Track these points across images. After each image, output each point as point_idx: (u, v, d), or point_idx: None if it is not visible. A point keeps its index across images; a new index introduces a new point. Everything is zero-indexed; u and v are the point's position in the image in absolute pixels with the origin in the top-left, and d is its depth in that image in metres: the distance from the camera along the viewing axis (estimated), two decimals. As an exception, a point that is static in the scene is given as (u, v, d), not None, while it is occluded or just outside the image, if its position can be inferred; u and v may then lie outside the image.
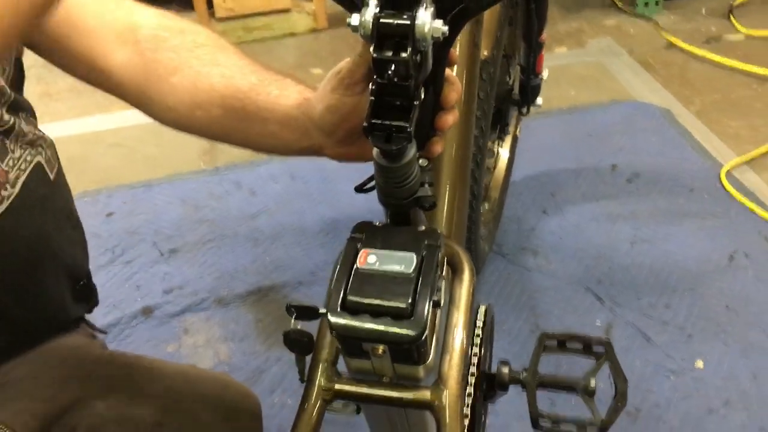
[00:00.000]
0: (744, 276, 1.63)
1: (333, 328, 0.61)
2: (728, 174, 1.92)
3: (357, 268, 0.63)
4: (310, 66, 2.64)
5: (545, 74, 1.50)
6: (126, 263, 1.75)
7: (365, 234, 0.66)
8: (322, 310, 0.64)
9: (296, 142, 0.74)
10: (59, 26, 0.74)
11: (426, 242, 0.65)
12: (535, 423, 0.83)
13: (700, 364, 1.44)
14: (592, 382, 0.83)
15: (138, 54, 0.74)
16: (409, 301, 0.60)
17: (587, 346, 0.85)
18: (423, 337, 0.60)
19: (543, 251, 1.71)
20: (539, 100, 1.54)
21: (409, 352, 0.64)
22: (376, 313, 0.60)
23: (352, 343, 0.64)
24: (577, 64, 2.48)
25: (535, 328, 1.53)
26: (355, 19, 0.57)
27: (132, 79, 0.75)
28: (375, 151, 0.64)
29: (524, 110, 1.53)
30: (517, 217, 1.82)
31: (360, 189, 0.74)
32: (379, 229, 0.67)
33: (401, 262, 0.64)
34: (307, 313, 0.67)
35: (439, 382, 0.67)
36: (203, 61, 0.74)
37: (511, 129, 1.63)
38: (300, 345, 0.70)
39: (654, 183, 1.91)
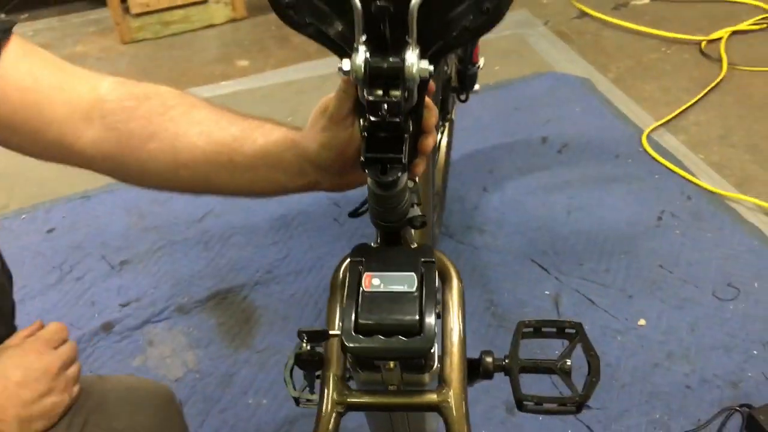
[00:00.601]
0: (672, 235, 1.76)
1: (349, 351, 0.65)
2: (648, 138, 2.05)
3: (364, 291, 0.67)
4: (235, 58, 2.62)
5: (481, 62, 1.56)
6: (77, 280, 1.73)
7: (365, 257, 0.71)
8: (333, 332, 0.69)
9: (291, 182, 0.76)
10: (15, 112, 0.73)
11: (422, 260, 0.71)
12: (520, 405, 0.90)
13: (642, 322, 1.56)
14: (568, 362, 0.90)
15: (108, 129, 0.74)
16: (417, 318, 0.66)
17: (560, 330, 0.92)
18: (432, 350, 0.66)
19: (488, 228, 1.80)
20: (476, 87, 1.60)
21: (418, 364, 0.69)
22: (388, 332, 0.65)
23: (365, 360, 0.69)
24: (498, 39, 2.55)
25: (490, 304, 1.61)
26: (346, 64, 0.61)
27: (106, 154, 0.75)
28: (370, 180, 0.68)
29: (463, 97, 1.59)
30: (460, 196, 1.89)
31: (354, 214, 0.78)
32: (377, 251, 0.72)
33: (403, 282, 0.69)
34: (318, 336, 0.71)
35: (443, 384, 0.73)
36: (178, 122, 0.74)
37: (450, 116, 1.69)
38: (312, 364, 0.74)
39: (582, 152, 2.02)
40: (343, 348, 0.66)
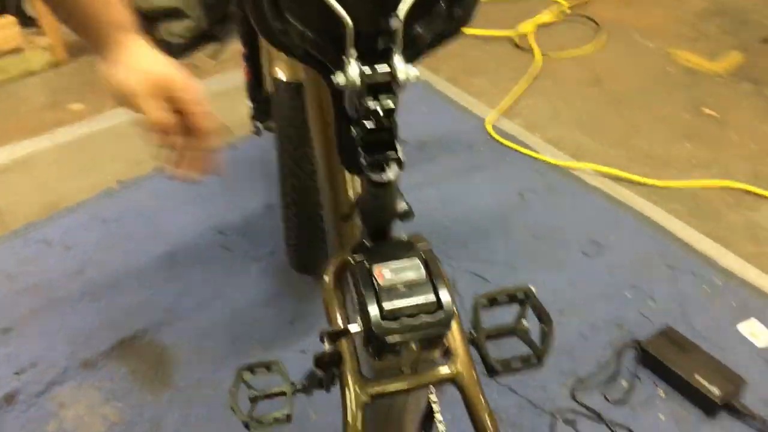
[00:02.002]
0: (535, 208, 1.96)
1: (381, 337, 0.71)
2: (493, 126, 2.26)
3: (379, 284, 0.73)
4: (66, 102, 2.49)
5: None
6: (-45, 359, 1.58)
7: (367, 254, 0.76)
8: (354, 329, 0.74)
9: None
10: None
11: (420, 246, 0.78)
12: (491, 371, 1.00)
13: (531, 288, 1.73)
14: (525, 323, 1.02)
15: None
16: (434, 296, 0.73)
17: (512, 296, 1.03)
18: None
19: (375, 230, 1.89)
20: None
21: (440, 338, 0.76)
22: (413, 315, 0.72)
23: (391, 346, 0.74)
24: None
25: (396, 298, 1.70)
26: (341, 78, 0.68)
27: None
28: (366, 182, 0.74)
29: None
30: (340, 205, 1.97)
31: (346, 218, 0.83)
32: (376, 248, 0.78)
33: (412, 269, 0.75)
34: (338, 335, 0.75)
35: (450, 357, 0.81)
36: None
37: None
38: (332, 363, 0.78)
39: (439, 147, 2.18)
40: (374, 336, 0.71)
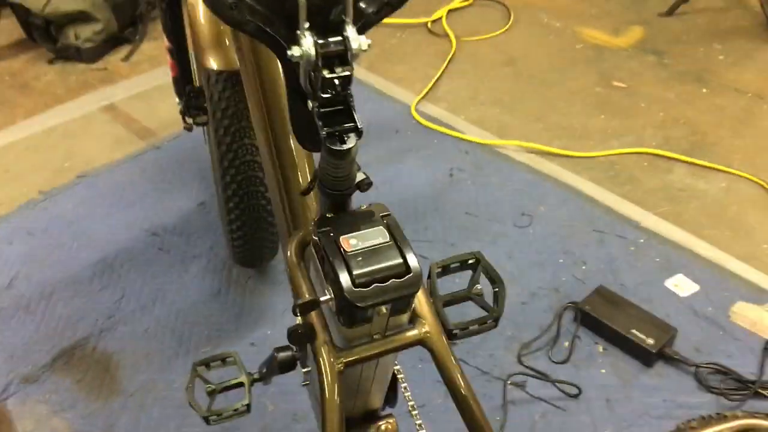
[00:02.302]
0: (465, 185, 2.02)
1: (354, 303, 0.73)
2: (417, 111, 2.30)
3: (346, 252, 0.75)
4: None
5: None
6: None
7: (331, 226, 0.78)
8: (324, 298, 0.76)
9: None
10: None
11: (381, 215, 0.80)
12: (451, 335, 1.03)
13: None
14: (478, 287, 1.05)
15: None
16: (401, 260, 0.76)
17: (464, 262, 1.07)
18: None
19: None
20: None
21: (408, 302, 0.79)
22: (383, 279, 0.74)
23: (363, 313, 0.76)
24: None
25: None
26: (296, 50, 0.69)
27: None
28: (326, 153, 0.76)
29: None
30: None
31: (307, 191, 0.85)
32: (338, 219, 0.80)
33: (377, 236, 0.78)
34: (310, 306, 0.77)
35: (418, 320, 0.83)
36: None
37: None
38: (306, 337, 0.80)
39: (368, 134, 2.19)
40: (347, 303, 0.73)
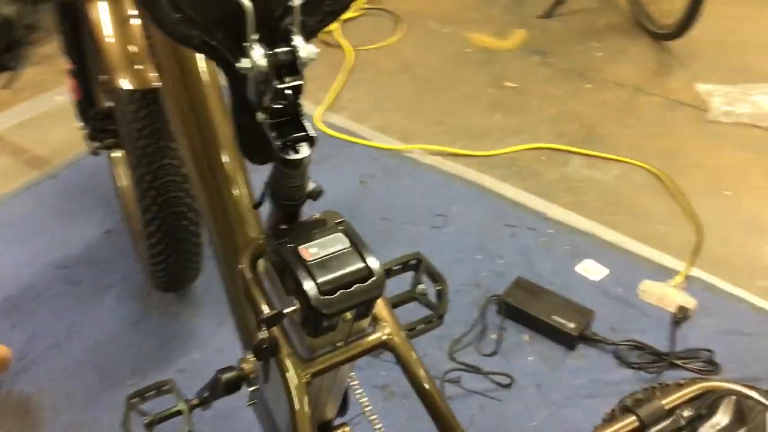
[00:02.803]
0: (378, 191, 2.05)
1: (322, 311, 0.73)
2: (323, 122, 2.31)
3: (308, 261, 0.75)
4: None
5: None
6: None
7: (288, 237, 0.78)
8: (288, 309, 0.76)
9: None
10: None
11: (335, 222, 0.81)
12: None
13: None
14: (421, 286, 1.08)
15: None
16: (363, 264, 0.76)
17: (405, 264, 1.09)
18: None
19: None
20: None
21: (372, 305, 0.79)
22: (348, 284, 0.75)
23: (330, 320, 0.76)
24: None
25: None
26: (245, 62, 0.69)
27: None
28: (281, 165, 0.75)
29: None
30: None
31: (258, 204, 0.83)
32: (293, 229, 0.80)
33: (336, 242, 0.78)
34: (276, 319, 0.76)
35: (378, 323, 0.84)
36: None
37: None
38: (270, 350, 0.79)
39: (273, 148, 2.19)
40: (315, 311, 0.73)
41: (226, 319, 1.67)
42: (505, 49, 2.80)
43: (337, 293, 0.74)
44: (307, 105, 2.31)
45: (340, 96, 2.47)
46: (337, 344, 0.82)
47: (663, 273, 1.81)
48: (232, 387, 0.96)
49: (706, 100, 2.44)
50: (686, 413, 0.64)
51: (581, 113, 2.43)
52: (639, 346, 1.62)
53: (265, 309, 0.81)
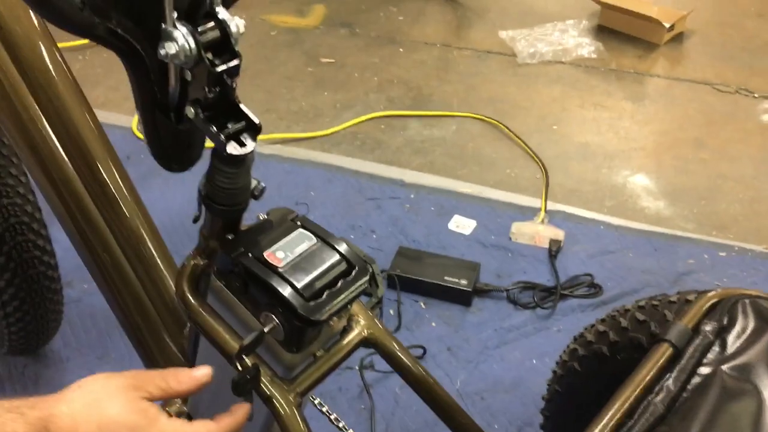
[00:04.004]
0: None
1: (312, 318, 0.63)
2: (139, 130, 2.10)
3: (278, 268, 0.65)
4: None
5: None
6: None
7: (242, 246, 0.67)
8: (267, 328, 0.65)
9: None
10: None
11: (290, 218, 0.71)
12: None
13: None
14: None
15: None
16: (339, 257, 0.68)
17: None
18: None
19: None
20: None
21: (359, 295, 0.71)
22: (332, 284, 0.66)
23: (321, 327, 0.67)
24: None
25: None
26: (170, 46, 0.57)
27: None
28: (221, 163, 0.64)
29: None
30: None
31: (198, 218, 0.70)
32: (245, 237, 0.69)
33: (302, 240, 0.69)
34: (256, 342, 0.65)
35: (353, 320, 0.76)
36: None
37: None
38: (253, 381, 0.67)
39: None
40: (305, 322, 0.63)
41: (97, 368, 1.48)
42: (309, 26, 2.73)
43: (324, 295, 0.65)
44: (116, 117, 2.11)
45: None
46: (317, 354, 0.73)
47: (525, 213, 1.87)
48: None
49: (510, 45, 2.56)
50: (709, 327, 0.64)
51: (404, 77, 2.44)
52: (528, 286, 1.66)
53: (230, 338, 0.69)
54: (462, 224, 1.84)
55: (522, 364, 1.52)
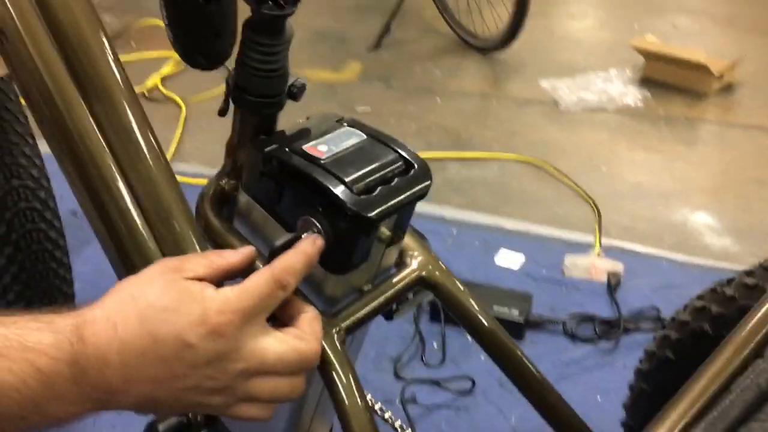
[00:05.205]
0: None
1: (363, 215, 0.51)
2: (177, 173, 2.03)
3: (320, 159, 0.53)
4: None
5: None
6: None
7: (279, 143, 0.56)
8: (306, 235, 0.52)
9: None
10: None
11: (335, 118, 0.60)
12: (390, 313, 0.81)
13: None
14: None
15: None
16: (397, 154, 0.56)
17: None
18: None
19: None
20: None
21: (410, 213, 0.58)
22: (387, 180, 0.54)
23: (372, 233, 0.54)
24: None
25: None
26: None
27: None
28: (255, 41, 0.54)
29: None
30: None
31: (225, 112, 0.59)
32: (281, 135, 0.58)
33: (349, 136, 0.57)
34: (288, 245, 0.52)
35: (409, 256, 0.63)
36: None
37: None
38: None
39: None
40: (355, 219, 0.51)
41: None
42: (345, 80, 2.70)
43: (377, 190, 0.52)
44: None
45: (183, 146, 2.22)
46: (364, 289, 0.60)
47: (577, 247, 1.73)
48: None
49: (552, 94, 2.48)
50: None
51: (442, 123, 2.36)
52: (588, 319, 1.50)
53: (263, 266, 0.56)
54: (509, 258, 1.70)
55: (585, 400, 1.34)
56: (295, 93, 0.60)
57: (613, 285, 1.59)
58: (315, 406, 0.69)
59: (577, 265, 1.65)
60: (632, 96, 2.44)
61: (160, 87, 2.58)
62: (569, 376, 1.39)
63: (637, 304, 1.55)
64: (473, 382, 1.36)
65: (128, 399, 0.49)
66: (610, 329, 1.48)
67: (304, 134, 0.56)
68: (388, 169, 0.54)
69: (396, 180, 0.54)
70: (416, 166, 0.55)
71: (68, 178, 0.75)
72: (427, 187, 0.56)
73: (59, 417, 0.48)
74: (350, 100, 2.52)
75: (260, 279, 0.49)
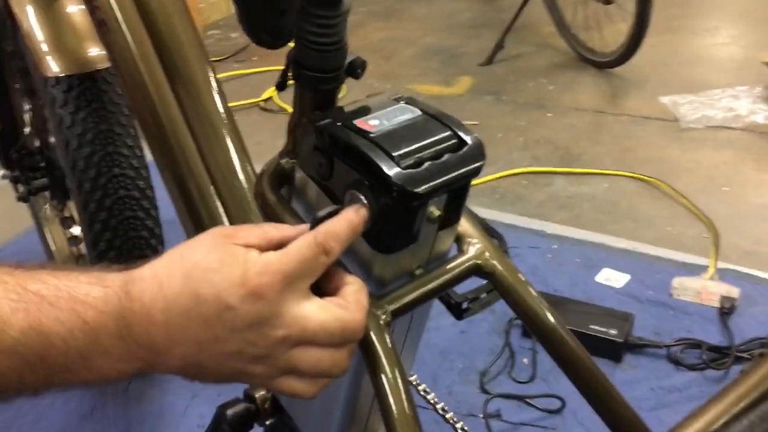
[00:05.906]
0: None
1: (409, 190, 0.48)
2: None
3: (369, 133, 0.51)
4: None
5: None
6: None
7: (333, 117, 0.54)
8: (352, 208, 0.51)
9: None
10: None
11: (393, 97, 0.58)
12: (460, 311, 0.78)
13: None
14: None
15: None
16: (450, 132, 0.53)
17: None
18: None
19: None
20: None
21: (463, 200, 0.55)
22: (436, 156, 0.51)
23: (419, 209, 0.51)
24: None
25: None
26: None
27: None
28: (307, 14, 0.53)
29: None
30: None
31: (283, 86, 0.59)
32: (338, 110, 0.56)
33: (403, 112, 0.55)
34: (331, 215, 0.50)
35: (467, 243, 0.60)
36: None
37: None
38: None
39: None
40: (401, 194, 0.49)
41: (200, 391, 1.37)
42: (454, 94, 2.68)
43: (425, 165, 0.50)
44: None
45: (293, 151, 2.27)
46: (416, 273, 0.57)
47: (689, 270, 1.61)
48: (242, 424, 0.69)
49: (672, 111, 2.35)
50: None
51: (551, 138, 2.29)
52: (695, 345, 1.39)
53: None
54: (612, 277, 1.61)
55: (686, 431, 1.24)
56: (356, 69, 0.59)
57: (726, 310, 1.46)
58: (372, 399, 0.67)
59: (687, 288, 1.54)
60: (762, 114, 2.27)
61: (275, 98, 2.67)
62: (670, 405, 1.29)
63: (752, 332, 1.42)
64: (563, 402, 1.29)
65: (173, 362, 0.49)
66: (720, 357, 1.36)
67: (360, 111, 0.55)
68: (440, 146, 0.52)
69: (446, 156, 0.51)
70: (469, 143, 0.53)
71: (157, 166, 0.77)
72: (480, 167, 0.53)
73: (106, 373, 0.49)
74: (457, 114, 2.47)
75: (303, 243, 0.48)
